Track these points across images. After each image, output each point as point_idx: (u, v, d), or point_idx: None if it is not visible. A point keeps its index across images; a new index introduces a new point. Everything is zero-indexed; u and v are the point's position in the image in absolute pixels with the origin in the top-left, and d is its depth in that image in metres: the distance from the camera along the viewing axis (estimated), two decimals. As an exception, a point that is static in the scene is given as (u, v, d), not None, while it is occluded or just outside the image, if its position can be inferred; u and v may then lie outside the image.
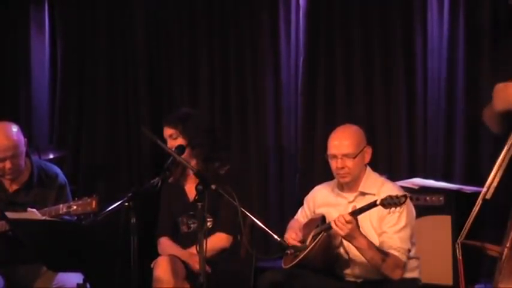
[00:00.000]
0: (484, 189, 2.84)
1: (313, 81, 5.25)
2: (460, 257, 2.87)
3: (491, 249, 2.76)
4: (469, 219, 2.84)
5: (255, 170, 5.35)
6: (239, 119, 5.45)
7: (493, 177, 2.82)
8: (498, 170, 2.83)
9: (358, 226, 3.50)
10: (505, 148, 2.84)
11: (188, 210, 4.08)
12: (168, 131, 4.20)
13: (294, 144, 5.38)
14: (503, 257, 2.56)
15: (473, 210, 2.84)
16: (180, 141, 4.14)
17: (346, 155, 3.69)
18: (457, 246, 2.87)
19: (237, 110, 5.45)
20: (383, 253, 3.54)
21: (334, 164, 3.73)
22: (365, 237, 3.52)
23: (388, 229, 3.60)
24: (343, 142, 3.72)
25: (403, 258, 3.58)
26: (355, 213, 3.49)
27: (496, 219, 2.96)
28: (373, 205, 3.46)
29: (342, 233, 3.47)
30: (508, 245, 2.61)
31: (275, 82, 5.37)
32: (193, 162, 4.15)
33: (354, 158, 3.69)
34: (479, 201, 2.83)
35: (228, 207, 3.49)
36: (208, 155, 4.16)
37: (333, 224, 3.49)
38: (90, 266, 3.45)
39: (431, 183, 4.53)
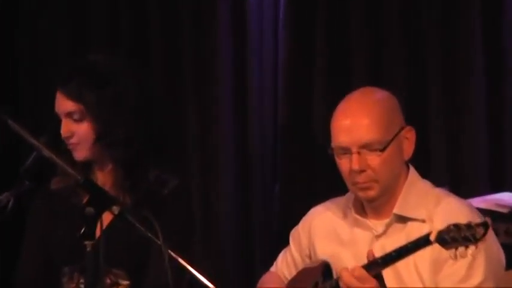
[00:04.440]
0: None
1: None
2: None
3: None
4: None
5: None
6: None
7: None
8: None
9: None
10: None
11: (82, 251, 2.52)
12: (64, 104, 2.77)
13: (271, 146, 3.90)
14: None
15: None
16: (86, 126, 2.77)
17: (367, 146, 2.72)
18: None
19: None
20: None
21: (345, 166, 2.75)
22: None
23: (452, 286, 2.72)
24: (361, 121, 2.73)
25: None
26: (378, 264, 2.53)
27: None
28: (422, 244, 2.47)
29: None
30: None
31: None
32: (109, 167, 2.87)
33: (383, 150, 2.72)
34: None
35: (161, 261, 2.26)
36: (137, 156, 2.84)
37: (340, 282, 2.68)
38: None
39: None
